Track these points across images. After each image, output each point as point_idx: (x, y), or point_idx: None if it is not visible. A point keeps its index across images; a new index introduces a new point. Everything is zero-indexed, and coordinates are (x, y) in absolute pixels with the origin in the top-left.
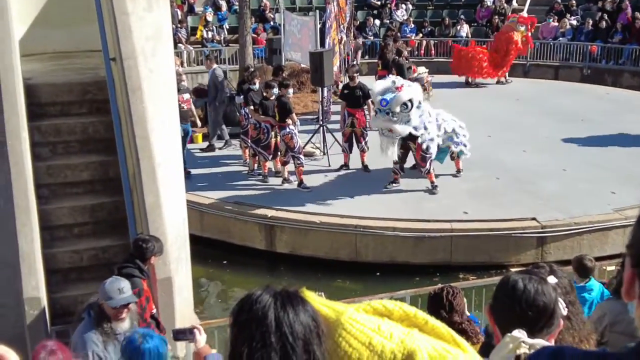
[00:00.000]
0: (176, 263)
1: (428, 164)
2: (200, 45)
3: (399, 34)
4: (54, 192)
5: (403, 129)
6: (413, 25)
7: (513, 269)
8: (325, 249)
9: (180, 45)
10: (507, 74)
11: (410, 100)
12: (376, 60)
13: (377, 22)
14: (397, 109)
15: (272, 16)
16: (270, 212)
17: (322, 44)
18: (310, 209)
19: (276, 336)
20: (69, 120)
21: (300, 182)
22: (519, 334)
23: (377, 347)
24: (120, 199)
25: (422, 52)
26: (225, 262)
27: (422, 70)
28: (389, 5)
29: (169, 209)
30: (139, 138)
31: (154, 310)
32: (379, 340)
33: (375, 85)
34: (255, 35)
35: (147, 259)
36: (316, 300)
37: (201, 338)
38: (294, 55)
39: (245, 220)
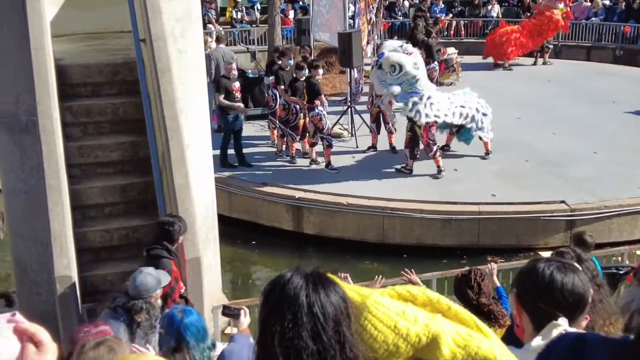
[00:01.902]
0: (205, 243)
1: (434, 149)
2: (229, 26)
3: (431, 15)
4: (85, 172)
5: (380, 87)
6: (443, 5)
7: (541, 252)
8: (353, 230)
9: (209, 25)
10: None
11: (400, 65)
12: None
13: (407, 2)
14: (386, 67)
15: None
16: (298, 194)
17: (352, 25)
18: (338, 191)
19: (308, 317)
20: (100, 101)
21: (328, 164)
22: (562, 321)
23: (403, 331)
24: (150, 179)
25: (452, 32)
26: (253, 242)
27: (451, 51)
28: None
29: (198, 190)
30: (168, 119)
31: (183, 290)
32: (404, 324)
33: (388, 42)
34: (283, 16)
35: (174, 240)
36: (342, 284)
37: (244, 320)
38: (323, 35)
39: (273, 201)
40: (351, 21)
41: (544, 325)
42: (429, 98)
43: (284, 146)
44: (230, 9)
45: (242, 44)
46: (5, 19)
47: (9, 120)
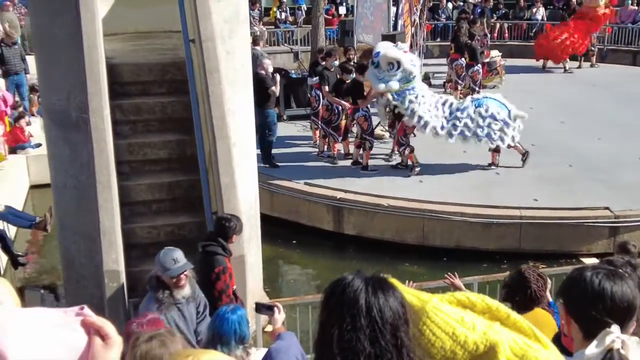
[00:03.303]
0: (248, 242)
1: (402, 149)
2: (273, 26)
3: (475, 17)
4: (134, 169)
5: (377, 84)
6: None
7: (584, 259)
8: (392, 232)
9: (253, 26)
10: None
11: (398, 62)
12: (448, 43)
13: (450, 4)
14: (383, 65)
15: None
16: (338, 194)
17: (395, 26)
18: (379, 192)
19: (366, 320)
20: (149, 100)
21: (366, 166)
22: (615, 328)
23: (461, 338)
24: (197, 178)
25: (496, 35)
26: (294, 242)
27: (495, 53)
28: None
29: (243, 189)
30: (215, 119)
31: (235, 287)
32: (463, 331)
33: (382, 43)
34: (328, 17)
35: (229, 237)
36: (401, 288)
37: (279, 317)
38: (366, 37)
39: (314, 201)
40: (394, 22)
41: (595, 334)
42: (422, 97)
43: (325, 147)
44: (274, 10)
45: (285, 44)
46: (58, 16)
47: (60, 117)
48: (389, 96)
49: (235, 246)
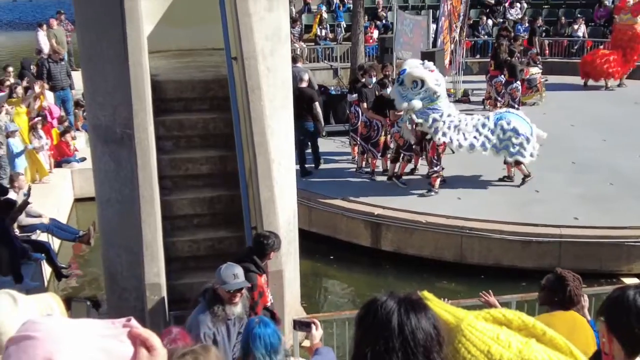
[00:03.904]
0: (286, 256)
1: (435, 169)
2: (313, 43)
3: (516, 34)
4: (176, 184)
5: (400, 102)
6: (527, 25)
7: (625, 279)
8: (430, 249)
9: (293, 43)
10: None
11: (422, 81)
12: (488, 60)
13: (490, 21)
14: (407, 83)
15: (384, 14)
16: (376, 210)
17: (435, 44)
18: (416, 208)
19: (398, 341)
20: (192, 116)
21: (400, 176)
22: None
23: (496, 356)
24: (237, 193)
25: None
26: (331, 257)
27: (535, 70)
28: (503, 4)
29: (281, 204)
30: (256, 135)
31: (269, 303)
32: (498, 349)
33: (409, 60)
34: (369, 34)
35: (266, 254)
36: (437, 304)
37: (317, 333)
38: (405, 54)
39: (352, 217)
40: (434, 39)
41: (638, 352)
42: (448, 116)
43: (364, 163)
44: (315, 27)
45: (325, 61)
46: (105, 35)
47: (105, 133)
48: (412, 114)
49: (273, 261)
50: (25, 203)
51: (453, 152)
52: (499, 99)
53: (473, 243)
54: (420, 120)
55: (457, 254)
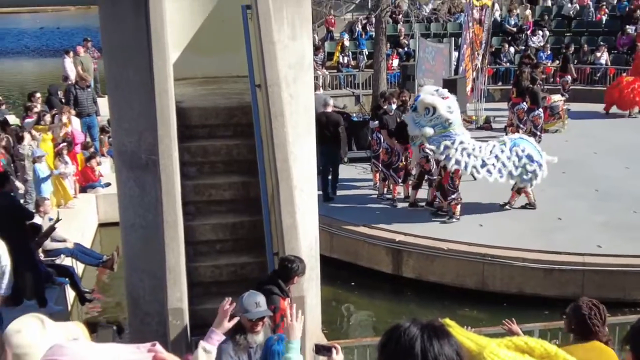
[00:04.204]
0: (308, 282)
1: (452, 197)
2: (335, 70)
3: (538, 61)
4: (199, 210)
5: (413, 128)
6: (549, 52)
7: None
8: (452, 276)
9: (315, 70)
10: None
11: (434, 108)
12: (510, 87)
13: (512, 49)
14: (420, 109)
15: (406, 42)
16: (398, 237)
17: (456, 71)
18: (438, 235)
19: None
20: (215, 142)
21: (431, 202)
22: None
23: None
24: (259, 219)
25: (558, 79)
26: (352, 283)
27: (557, 98)
28: (525, 32)
29: (303, 230)
30: (279, 161)
31: None
32: None
33: (426, 87)
34: (389, 62)
35: (290, 278)
36: (459, 332)
37: (337, 358)
38: (427, 81)
39: (373, 243)
40: (456, 67)
41: None
42: (461, 143)
43: (385, 189)
44: (337, 54)
45: (347, 87)
46: (131, 62)
47: (130, 158)
48: (424, 141)
49: (295, 287)
50: (52, 229)
51: (475, 179)
52: (521, 126)
53: (495, 270)
54: (432, 147)
55: (479, 281)
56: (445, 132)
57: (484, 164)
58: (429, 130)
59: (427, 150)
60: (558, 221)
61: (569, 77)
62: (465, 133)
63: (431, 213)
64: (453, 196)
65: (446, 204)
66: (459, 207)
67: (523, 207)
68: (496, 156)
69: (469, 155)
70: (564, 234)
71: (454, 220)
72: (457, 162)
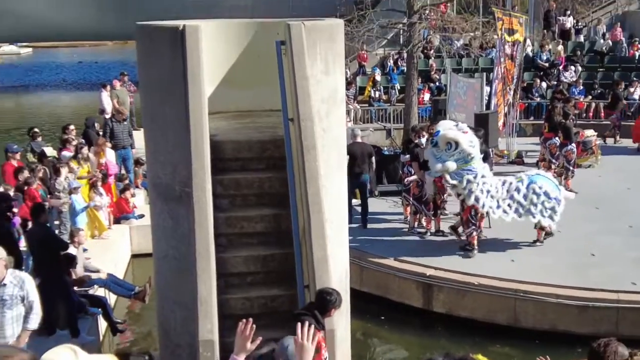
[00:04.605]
0: (337, 316)
1: (471, 229)
2: (367, 104)
3: (570, 96)
4: (231, 242)
5: (434, 164)
6: (582, 87)
7: None
8: (483, 311)
9: (347, 104)
10: None
11: (456, 142)
12: (542, 122)
13: (544, 84)
14: (442, 144)
15: (437, 77)
16: (428, 271)
17: (488, 106)
18: (469, 270)
19: None
20: (248, 175)
21: (468, 243)
22: None
23: None
24: (290, 251)
25: (591, 114)
26: (382, 317)
27: (590, 133)
28: (557, 67)
29: (334, 263)
30: (310, 194)
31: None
32: None
33: (443, 122)
34: (420, 97)
35: (327, 310)
36: None
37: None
38: (459, 116)
39: (403, 277)
40: (487, 102)
41: None
42: (482, 177)
43: (416, 223)
44: (369, 88)
45: (378, 122)
46: (167, 96)
47: (165, 191)
48: (447, 176)
49: (326, 320)
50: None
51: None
52: (554, 161)
53: (527, 306)
54: (454, 182)
55: (511, 317)
56: (467, 166)
57: (499, 206)
58: (452, 165)
59: (449, 185)
60: (591, 257)
61: (617, 114)
62: (485, 167)
63: (460, 248)
64: (472, 228)
65: (465, 234)
66: (476, 239)
67: (557, 243)
68: (512, 196)
69: (488, 193)
70: (597, 270)
71: (473, 253)
72: (477, 199)
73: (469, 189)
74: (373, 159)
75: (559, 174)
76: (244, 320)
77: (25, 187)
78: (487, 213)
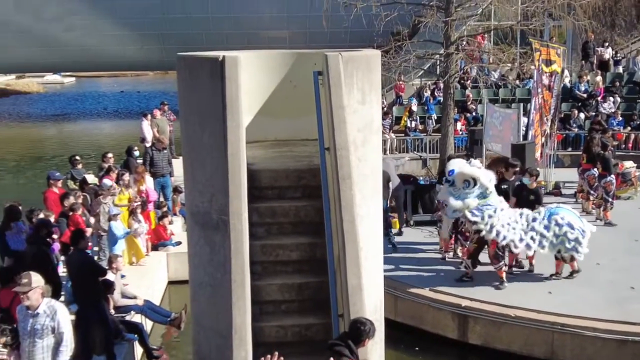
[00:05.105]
0: (371, 346)
1: (501, 263)
2: (402, 134)
3: (608, 127)
4: (266, 269)
5: (455, 203)
6: (621, 118)
7: None
8: (520, 344)
9: (383, 134)
10: None
11: (473, 179)
12: (580, 153)
13: (582, 115)
14: (459, 183)
15: (473, 107)
16: (464, 302)
17: (525, 136)
18: (506, 301)
19: None
20: (284, 204)
21: (511, 266)
22: None
23: None
24: (325, 280)
25: (630, 145)
26: (416, 348)
27: (629, 164)
28: (595, 98)
29: (368, 292)
30: (346, 223)
31: None
32: None
33: (453, 160)
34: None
35: (361, 341)
36: None
37: None
38: (495, 146)
39: (438, 308)
40: (525, 133)
41: None
42: (502, 210)
43: (451, 252)
44: (405, 118)
45: (414, 151)
46: (206, 126)
47: (202, 218)
48: (467, 213)
49: (360, 349)
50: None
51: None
52: (592, 192)
53: (565, 340)
54: (476, 219)
55: (548, 350)
56: (485, 201)
57: (521, 239)
58: (473, 202)
59: (471, 221)
60: (631, 290)
61: None
62: (502, 201)
63: (456, 280)
64: (500, 263)
65: (495, 269)
66: (505, 272)
67: (595, 276)
68: (533, 228)
69: (509, 225)
70: (637, 303)
71: (504, 286)
72: (497, 234)
73: (490, 224)
74: (390, 184)
75: (597, 205)
76: (269, 355)
77: (70, 213)
78: (513, 247)
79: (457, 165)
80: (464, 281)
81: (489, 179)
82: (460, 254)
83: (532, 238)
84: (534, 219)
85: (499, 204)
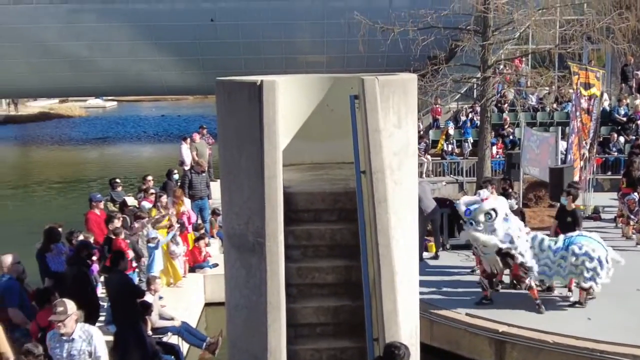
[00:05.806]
0: None
1: (528, 279)
2: (439, 158)
3: None
4: (302, 292)
5: (489, 239)
6: None
7: None
8: None
9: (419, 157)
10: None
11: (493, 210)
12: (619, 177)
13: (622, 138)
14: (481, 218)
15: (511, 130)
16: (501, 327)
17: (564, 160)
18: (544, 327)
19: None
20: (320, 227)
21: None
22: None
23: None
24: (360, 303)
25: None
26: None
27: None
28: (635, 121)
29: (404, 316)
30: (381, 246)
31: None
32: None
33: (462, 198)
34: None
35: None
36: None
37: None
38: (532, 170)
39: (475, 333)
40: (563, 156)
41: None
42: (520, 230)
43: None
44: (442, 142)
45: (451, 175)
46: (244, 149)
47: (239, 241)
48: (500, 244)
49: None
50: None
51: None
52: (632, 217)
53: None
54: (506, 245)
55: None
56: (508, 226)
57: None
58: (502, 232)
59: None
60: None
61: None
62: (520, 223)
63: (475, 304)
64: (527, 281)
65: (525, 289)
66: (536, 290)
67: (636, 302)
68: (548, 257)
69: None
70: None
71: (542, 311)
72: (523, 255)
73: (516, 247)
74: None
75: (638, 230)
76: None
77: (113, 237)
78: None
79: (469, 204)
80: (483, 304)
81: (504, 205)
82: (479, 272)
83: (547, 266)
84: (550, 247)
85: (517, 227)
